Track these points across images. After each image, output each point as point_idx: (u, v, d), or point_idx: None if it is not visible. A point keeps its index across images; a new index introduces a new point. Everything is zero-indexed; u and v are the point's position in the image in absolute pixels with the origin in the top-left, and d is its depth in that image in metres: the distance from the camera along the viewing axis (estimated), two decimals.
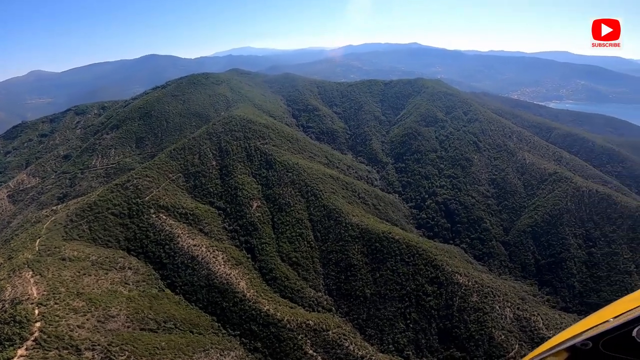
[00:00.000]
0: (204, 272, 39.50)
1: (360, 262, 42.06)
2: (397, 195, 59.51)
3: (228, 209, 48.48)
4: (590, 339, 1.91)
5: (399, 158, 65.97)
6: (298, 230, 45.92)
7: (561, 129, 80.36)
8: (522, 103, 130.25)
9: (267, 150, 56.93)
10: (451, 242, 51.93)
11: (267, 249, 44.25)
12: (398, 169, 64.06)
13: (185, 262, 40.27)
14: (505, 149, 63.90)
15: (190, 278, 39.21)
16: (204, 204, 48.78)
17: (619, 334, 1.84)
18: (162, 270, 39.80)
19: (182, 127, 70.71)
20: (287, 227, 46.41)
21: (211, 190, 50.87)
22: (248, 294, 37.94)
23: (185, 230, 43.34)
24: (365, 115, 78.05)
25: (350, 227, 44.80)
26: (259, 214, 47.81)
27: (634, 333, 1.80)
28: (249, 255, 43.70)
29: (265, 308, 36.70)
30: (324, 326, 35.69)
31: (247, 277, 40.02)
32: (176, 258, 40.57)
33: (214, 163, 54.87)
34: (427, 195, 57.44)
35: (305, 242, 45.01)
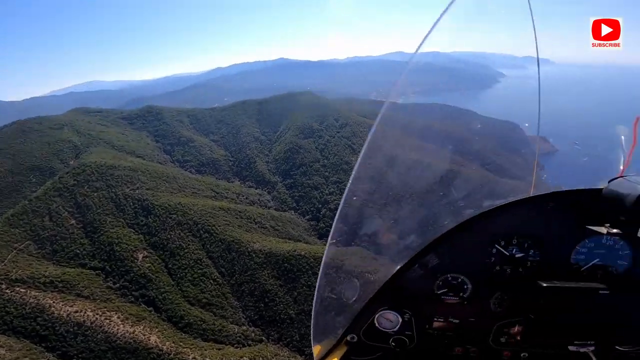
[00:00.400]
0: (100, 336, 34.68)
1: (275, 286, 41.36)
2: (292, 211, 59.88)
3: (107, 267, 43.18)
4: (354, 331, 2.06)
5: (287, 174, 66.70)
6: (199, 271, 43.27)
7: (410, 120, 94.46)
8: (380, 103, 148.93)
9: (140, 196, 51.10)
10: (352, 244, 54.21)
11: (170, 297, 40.68)
12: (288, 185, 64.58)
13: (72, 330, 35.01)
14: (375, 147, 71.24)
15: (85, 345, 34.05)
16: (74, 268, 42.53)
17: (370, 323, 1.99)
18: (45, 342, 34.04)
19: (19, 186, 57.44)
20: (186, 271, 43.31)
21: (78, 251, 44.45)
22: (164, 347, 34.55)
23: (58, 299, 37.54)
24: (245, 138, 76.46)
25: (254, 255, 43.79)
26: (149, 264, 43.60)
27: (375, 322, 1.98)
28: (150, 308, 39.64)
29: (191, 357, 33.76)
30: (260, 358, 34.67)
31: (157, 330, 36.26)
32: (57, 328, 34.99)
33: (73, 222, 47.48)
34: (320, 205, 59.33)
35: (211, 281, 42.82)
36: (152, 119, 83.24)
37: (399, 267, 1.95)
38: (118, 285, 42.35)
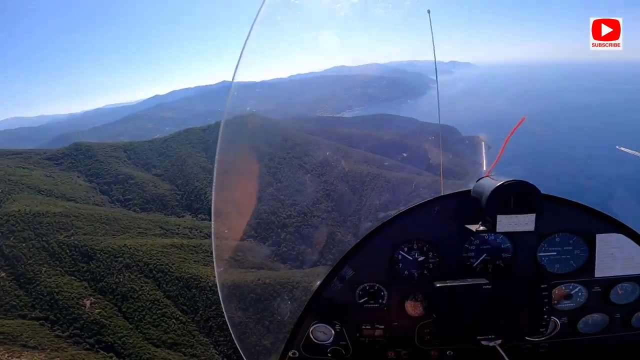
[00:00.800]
0: None
1: (244, 317, 38.82)
2: (252, 239, 57.76)
3: (51, 317, 41.28)
4: (294, 347, 2.14)
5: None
6: (159, 312, 41.97)
7: (359, 133, 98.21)
8: (325, 119, 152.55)
9: (77, 242, 48.77)
10: (318, 263, 53.82)
11: (131, 340, 39.29)
12: None
13: None
14: (326, 164, 72.58)
15: None
16: (12, 319, 40.43)
17: (306, 337, 2.09)
18: None
19: None
20: (144, 313, 41.93)
21: (14, 303, 42.40)
22: None
23: (2, 351, 35.83)
24: (192, 169, 73.16)
25: (217, 289, 41.03)
26: (99, 310, 42.02)
27: (311, 335, 2.06)
28: (111, 354, 38.37)
29: None
30: None
31: None
32: None
33: (3, 274, 45.44)
34: (279, 230, 58.18)
35: (174, 320, 41.52)
36: (82, 157, 76.75)
37: (319, 282, 2.05)
38: (68, 333, 40.40)
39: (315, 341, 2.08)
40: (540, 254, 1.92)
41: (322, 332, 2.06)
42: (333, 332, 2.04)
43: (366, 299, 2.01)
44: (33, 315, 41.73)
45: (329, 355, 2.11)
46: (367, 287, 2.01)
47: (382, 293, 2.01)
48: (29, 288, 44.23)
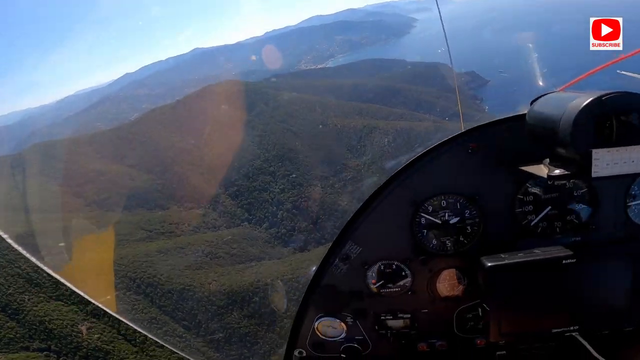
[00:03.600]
0: None
1: (251, 326, 37.87)
2: (246, 223, 54.98)
3: (53, 347, 37.96)
4: (300, 345, 1.92)
5: (228, 182, 61.21)
6: (159, 331, 40.04)
7: (347, 83, 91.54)
8: (308, 71, 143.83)
9: (52, 263, 44.18)
10: (323, 240, 50.67)
11: None
12: (232, 194, 58.91)
13: None
14: (317, 122, 67.55)
15: None
16: (16, 352, 37.11)
17: (313, 333, 1.82)
18: None
19: None
20: (145, 333, 40.25)
21: (11, 336, 38.33)
22: None
23: None
24: (168, 152, 68.38)
25: (214, 298, 40.70)
26: (98, 335, 37.81)
27: (318, 331, 1.83)
28: None
29: None
30: None
31: None
32: None
33: None
34: (275, 208, 54.99)
35: (178, 338, 39.40)
36: (45, 159, 71.20)
37: (315, 267, 1.71)
38: None
39: (324, 338, 1.76)
40: (631, 203, 1.36)
41: (331, 327, 1.74)
42: (345, 326, 1.72)
43: (382, 282, 1.61)
44: (35, 347, 38.40)
45: (343, 356, 1.72)
46: (382, 267, 1.60)
47: (403, 273, 1.60)
48: (19, 319, 40.97)
